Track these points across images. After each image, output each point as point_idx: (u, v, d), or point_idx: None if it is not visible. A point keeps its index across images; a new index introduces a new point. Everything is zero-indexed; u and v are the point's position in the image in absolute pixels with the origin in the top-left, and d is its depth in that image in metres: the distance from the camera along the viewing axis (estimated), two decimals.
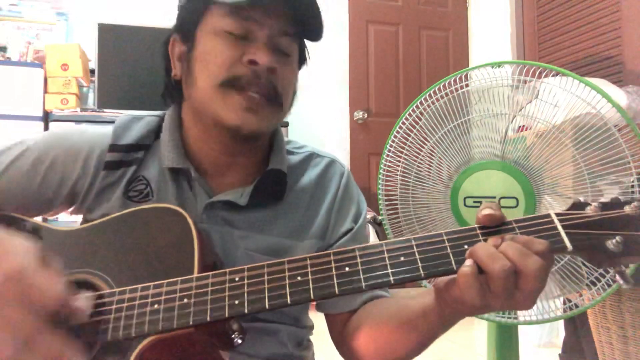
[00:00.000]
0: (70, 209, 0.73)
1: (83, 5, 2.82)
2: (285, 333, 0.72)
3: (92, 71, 2.58)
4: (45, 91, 2.42)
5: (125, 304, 0.54)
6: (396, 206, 1.17)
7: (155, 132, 0.75)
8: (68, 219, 0.86)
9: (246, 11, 0.65)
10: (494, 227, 0.51)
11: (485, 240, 0.50)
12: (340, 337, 0.74)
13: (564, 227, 0.50)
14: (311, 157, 0.81)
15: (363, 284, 0.50)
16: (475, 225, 0.52)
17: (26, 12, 2.69)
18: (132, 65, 2.48)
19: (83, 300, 0.49)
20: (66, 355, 0.45)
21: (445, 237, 0.51)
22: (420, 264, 0.50)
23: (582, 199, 0.52)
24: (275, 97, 0.68)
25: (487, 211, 0.51)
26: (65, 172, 0.69)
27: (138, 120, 0.75)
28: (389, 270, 0.50)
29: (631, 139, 0.91)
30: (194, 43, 0.69)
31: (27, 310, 0.44)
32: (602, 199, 0.50)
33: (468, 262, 0.48)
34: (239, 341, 0.54)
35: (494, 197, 1.07)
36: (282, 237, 0.72)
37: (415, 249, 0.51)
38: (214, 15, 0.67)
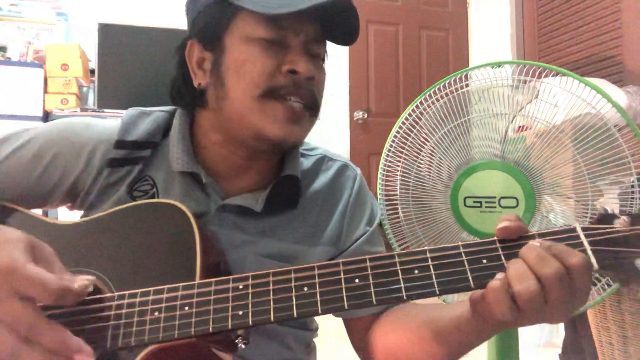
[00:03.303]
0: (71, 206, 0.71)
1: (83, 5, 2.82)
2: (291, 336, 0.71)
3: (92, 71, 2.58)
4: (45, 91, 2.42)
5: (124, 310, 0.52)
6: (396, 206, 1.17)
7: (164, 129, 0.72)
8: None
9: (281, 18, 0.62)
10: (515, 240, 0.48)
11: (506, 254, 0.47)
12: (363, 342, 0.71)
13: (590, 243, 0.45)
14: (323, 160, 0.79)
15: (374, 298, 0.48)
16: (495, 238, 0.48)
17: (26, 12, 2.69)
18: (132, 65, 2.48)
19: (84, 278, 0.47)
20: (69, 347, 0.43)
21: (462, 250, 0.48)
22: (435, 280, 0.47)
23: (609, 209, 0.46)
24: (315, 105, 0.67)
25: (502, 224, 0.47)
26: (67, 167, 0.67)
27: (146, 115, 0.72)
28: (402, 285, 0.48)
29: (631, 139, 0.91)
30: (222, 51, 0.65)
31: (23, 304, 0.43)
32: (632, 211, 0.45)
33: (499, 275, 0.45)
34: (243, 346, 0.53)
35: (494, 197, 1.07)
36: (293, 243, 0.70)
37: (430, 262, 0.48)
38: (245, 21, 0.64)
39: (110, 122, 0.71)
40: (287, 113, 0.63)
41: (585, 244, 0.45)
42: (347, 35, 0.68)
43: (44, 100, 2.40)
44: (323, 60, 0.71)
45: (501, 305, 0.44)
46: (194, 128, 0.72)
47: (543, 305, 0.44)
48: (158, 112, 0.73)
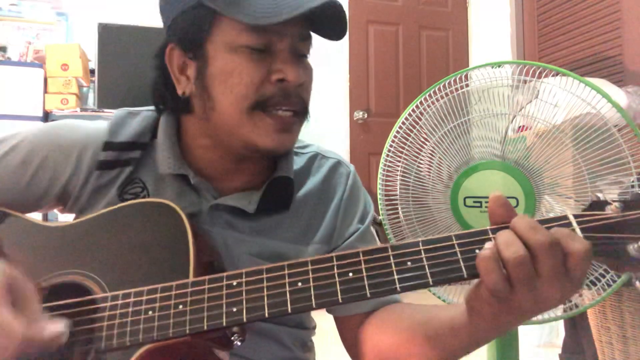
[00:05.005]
0: (62, 209, 0.70)
1: (83, 5, 2.82)
2: (288, 335, 0.70)
3: (92, 71, 2.58)
4: (45, 91, 2.42)
5: (118, 311, 0.52)
6: (396, 206, 1.17)
7: (153, 129, 0.70)
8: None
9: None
10: (506, 227, 0.47)
11: None
12: (354, 340, 0.70)
13: (582, 230, 0.45)
14: (315, 158, 0.77)
15: (368, 291, 0.47)
16: (487, 228, 0.48)
17: (26, 12, 2.69)
18: (132, 65, 2.48)
19: (56, 327, 0.46)
20: None
21: (455, 241, 0.48)
22: (428, 270, 0.47)
23: (600, 196, 0.47)
24: (305, 110, 0.66)
25: (497, 193, 0.47)
26: (56, 171, 0.66)
27: (134, 115, 0.71)
28: (395, 277, 0.47)
29: (631, 139, 0.91)
30: (205, 59, 0.63)
31: None
32: (623, 197, 0.45)
33: (488, 244, 0.45)
34: (239, 343, 0.53)
35: None
36: (286, 242, 0.69)
37: (423, 254, 0.48)
38: (228, 28, 0.61)
39: (99, 124, 0.70)
40: (278, 125, 0.62)
41: (578, 231, 0.46)
42: (334, 33, 0.65)
43: (44, 100, 2.40)
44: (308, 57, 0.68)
45: (491, 274, 0.43)
46: (181, 130, 0.71)
47: (535, 277, 0.43)
48: (146, 111, 0.72)
